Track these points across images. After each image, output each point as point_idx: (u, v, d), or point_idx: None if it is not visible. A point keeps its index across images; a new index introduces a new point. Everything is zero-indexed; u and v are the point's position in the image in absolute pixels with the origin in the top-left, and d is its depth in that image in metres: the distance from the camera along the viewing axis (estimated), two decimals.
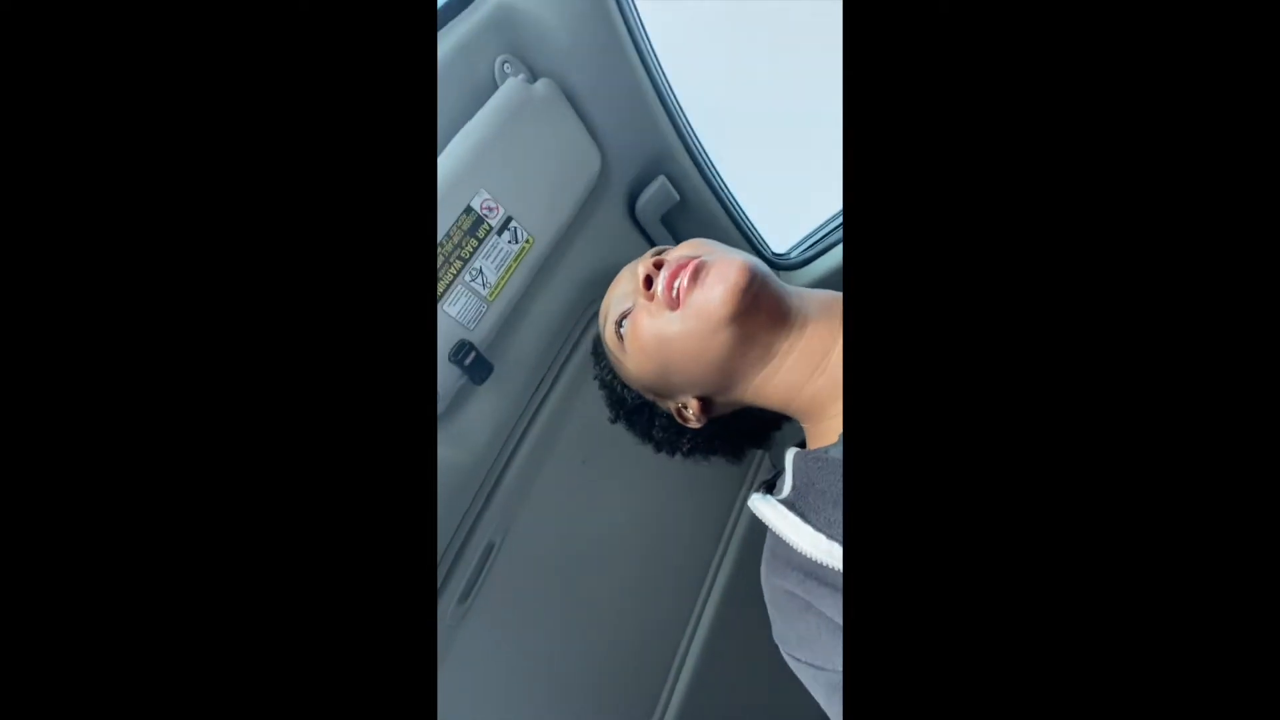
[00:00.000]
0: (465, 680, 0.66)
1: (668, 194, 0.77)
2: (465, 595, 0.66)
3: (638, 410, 0.58)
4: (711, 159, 0.81)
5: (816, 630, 0.41)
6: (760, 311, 0.44)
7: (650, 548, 0.87)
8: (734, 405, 0.53)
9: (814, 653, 0.41)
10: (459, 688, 0.66)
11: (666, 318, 0.46)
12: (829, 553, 0.40)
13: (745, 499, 0.93)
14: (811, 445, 0.48)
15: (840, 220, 0.89)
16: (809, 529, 0.42)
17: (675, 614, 0.90)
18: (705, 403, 0.52)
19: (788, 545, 0.43)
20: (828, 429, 0.46)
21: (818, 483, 0.43)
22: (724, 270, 0.44)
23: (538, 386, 0.73)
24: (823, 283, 0.89)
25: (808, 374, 0.45)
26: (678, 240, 0.81)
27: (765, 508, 0.46)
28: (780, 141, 1.13)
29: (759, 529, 0.65)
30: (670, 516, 0.89)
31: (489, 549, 0.68)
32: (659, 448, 0.60)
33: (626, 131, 0.72)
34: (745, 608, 0.88)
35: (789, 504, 0.45)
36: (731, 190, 0.85)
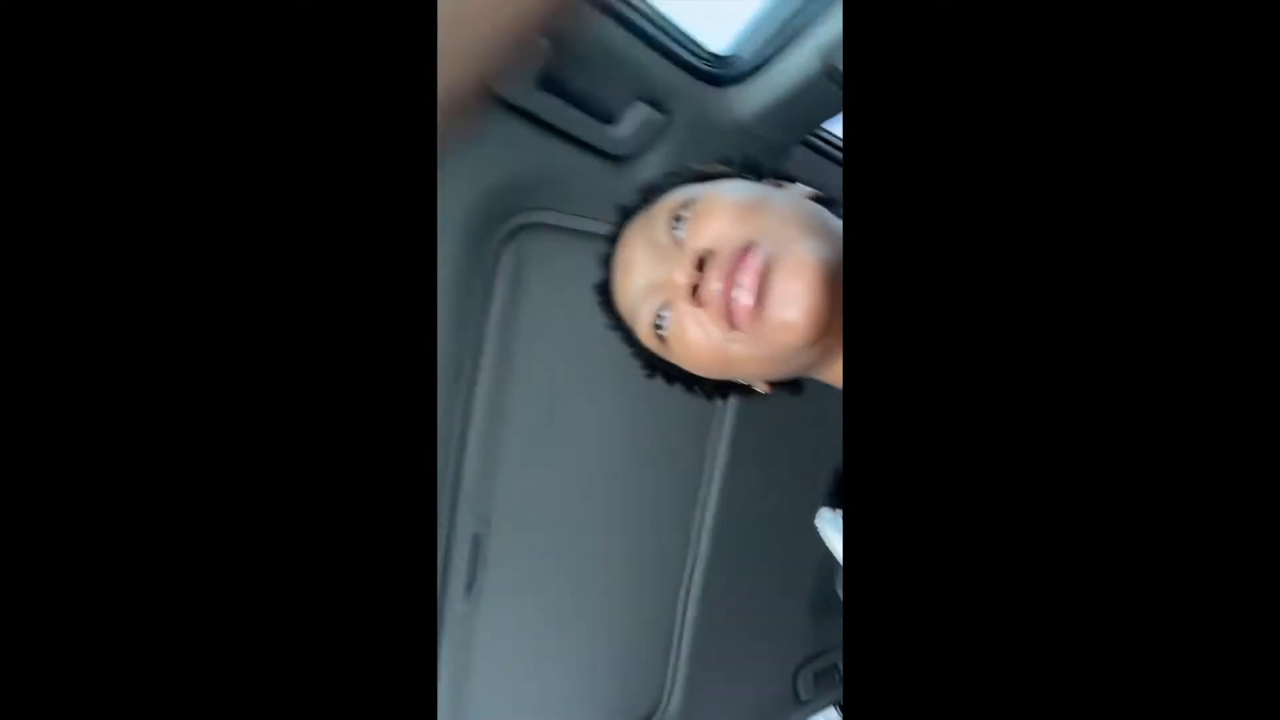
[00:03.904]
0: (494, 659, 0.69)
1: (530, 45, 0.50)
2: (470, 585, 0.67)
3: (681, 375, 0.49)
4: None
5: None
6: (839, 314, 0.36)
7: (635, 487, 0.81)
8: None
9: None
10: (489, 668, 0.69)
11: (726, 335, 0.37)
12: None
13: (721, 419, 0.87)
14: None
15: (794, 6, 0.62)
16: None
17: (674, 544, 0.88)
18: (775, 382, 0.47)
19: None
20: None
21: None
22: (796, 284, 0.35)
23: (464, 343, 0.61)
24: (787, 99, 0.65)
25: None
26: (576, 103, 0.57)
27: (834, 538, 0.42)
28: None
29: (746, 445, 0.79)
30: (649, 451, 0.80)
31: (475, 540, 0.66)
32: (709, 397, 0.52)
33: None
34: (741, 524, 0.91)
35: None
36: None
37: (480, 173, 0.54)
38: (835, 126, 0.80)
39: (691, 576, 0.90)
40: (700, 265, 0.36)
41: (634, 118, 0.60)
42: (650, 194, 0.47)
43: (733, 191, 0.39)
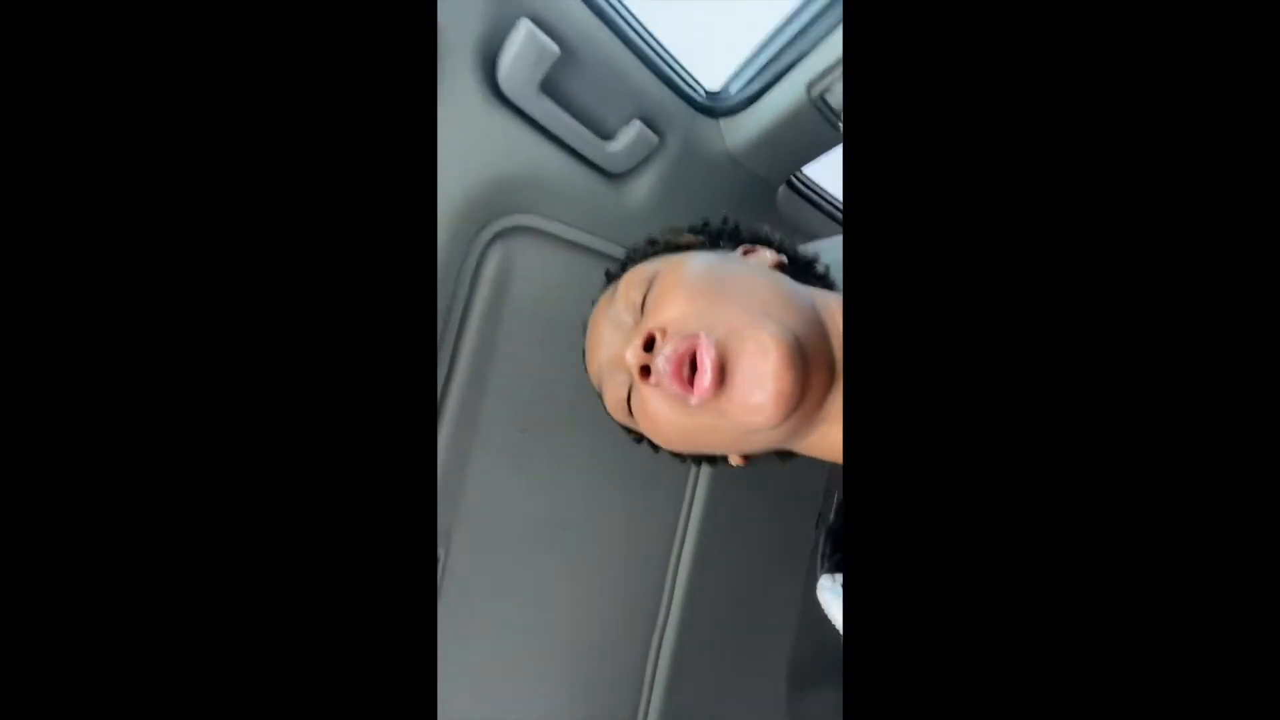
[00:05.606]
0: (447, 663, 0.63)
1: (540, 46, 0.50)
2: None
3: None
4: None
5: None
6: (809, 393, 0.35)
7: (614, 515, 0.76)
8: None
9: None
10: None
11: (688, 410, 0.37)
12: None
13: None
14: None
15: (781, 44, 0.66)
16: None
17: (650, 576, 0.82)
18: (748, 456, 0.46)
19: None
20: None
21: None
22: (762, 366, 0.34)
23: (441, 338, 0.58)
24: (776, 131, 0.68)
25: None
26: (576, 114, 0.58)
27: (835, 607, 0.39)
28: None
29: (724, 479, 0.72)
30: (630, 478, 0.76)
31: (444, 536, 0.61)
32: (697, 463, 0.52)
33: None
34: (720, 559, 0.86)
35: None
36: (633, 13, 0.61)
37: (474, 164, 0.54)
38: (819, 175, 0.84)
39: (667, 616, 0.83)
40: (649, 345, 0.36)
41: (629, 136, 0.62)
42: (625, 263, 0.47)
43: (691, 272, 0.39)
